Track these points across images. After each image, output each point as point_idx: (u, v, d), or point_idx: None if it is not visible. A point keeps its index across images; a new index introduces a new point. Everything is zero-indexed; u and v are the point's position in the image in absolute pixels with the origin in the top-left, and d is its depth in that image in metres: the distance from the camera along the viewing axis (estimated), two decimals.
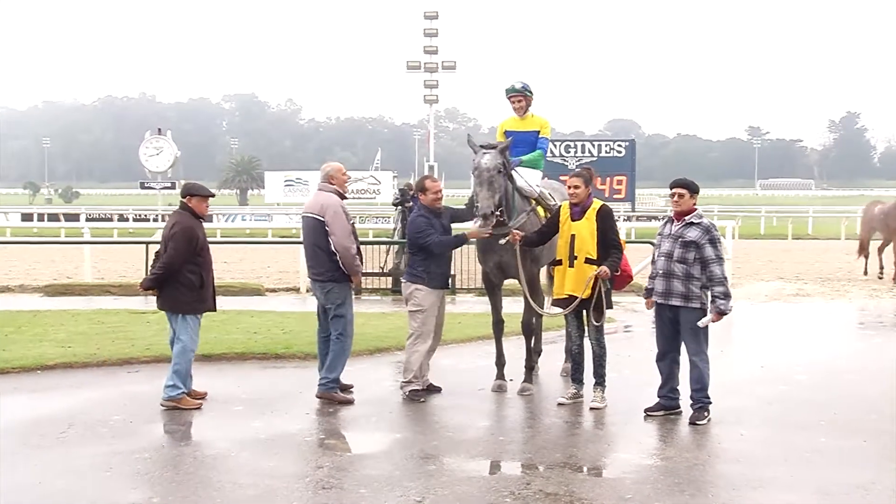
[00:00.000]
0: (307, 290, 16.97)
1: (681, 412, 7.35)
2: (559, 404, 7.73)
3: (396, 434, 6.91)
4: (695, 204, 7.35)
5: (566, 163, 27.06)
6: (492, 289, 8.48)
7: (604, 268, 7.48)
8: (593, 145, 27.72)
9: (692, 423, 7.12)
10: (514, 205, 8.03)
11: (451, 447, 6.58)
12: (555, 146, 27.48)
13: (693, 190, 7.33)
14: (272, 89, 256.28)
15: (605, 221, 7.62)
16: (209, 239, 8.06)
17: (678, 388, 7.44)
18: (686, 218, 7.29)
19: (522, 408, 7.79)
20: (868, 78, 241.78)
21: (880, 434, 6.87)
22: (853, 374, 8.99)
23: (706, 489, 5.75)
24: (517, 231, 7.77)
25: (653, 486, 5.73)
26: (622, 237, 7.95)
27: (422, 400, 7.84)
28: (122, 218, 44.99)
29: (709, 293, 7.17)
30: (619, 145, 29.00)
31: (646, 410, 7.41)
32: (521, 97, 8.59)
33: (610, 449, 6.65)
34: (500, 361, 8.41)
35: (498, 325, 8.42)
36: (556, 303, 7.87)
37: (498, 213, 7.66)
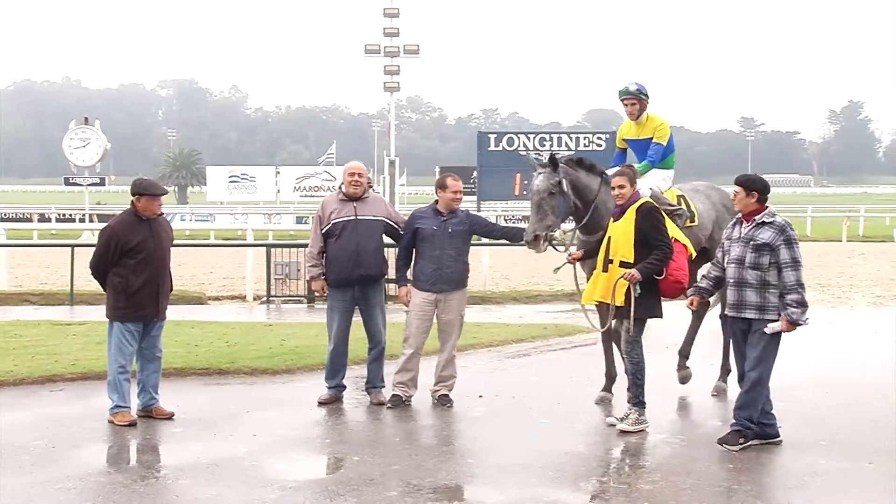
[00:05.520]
0: (254, 299, 16.93)
1: (780, 440, 7.24)
2: (609, 425, 7.68)
3: (354, 457, 6.90)
4: (756, 201, 7.07)
5: (540, 157, 27.21)
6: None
7: (631, 271, 7.39)
8: (570, 138, 27.83)
9: (721, 443, 7.09)
10: (602, 212, 8.15)
11: (417, 473, 6.55)
12: (528, 139, 27.57)
13: (748, 188, 7.08)
14: (214, 75, 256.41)
15: (647, 220, 7.49)
16: None
17: (771, 412, 7.29)
18: (756, 218, 7.09)
19: (506, 430, 7.74)
20: (872, 65, 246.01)
21: (888, 455, 6.94)
22: (856, 388, 9.09)
23: None
24: (574, 254, 8.16)
25: None
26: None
27: (388, 406, 8.35)
28: (43, 218, 44.54)
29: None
30: (599, 138, 29.15)
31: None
32: (634, 100, 8.70)
33: (589, 472, 6.66)
34: (610, 373, 8.65)
35: (605, 333, 8.46)
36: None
37: (553, 233, 8.06)
